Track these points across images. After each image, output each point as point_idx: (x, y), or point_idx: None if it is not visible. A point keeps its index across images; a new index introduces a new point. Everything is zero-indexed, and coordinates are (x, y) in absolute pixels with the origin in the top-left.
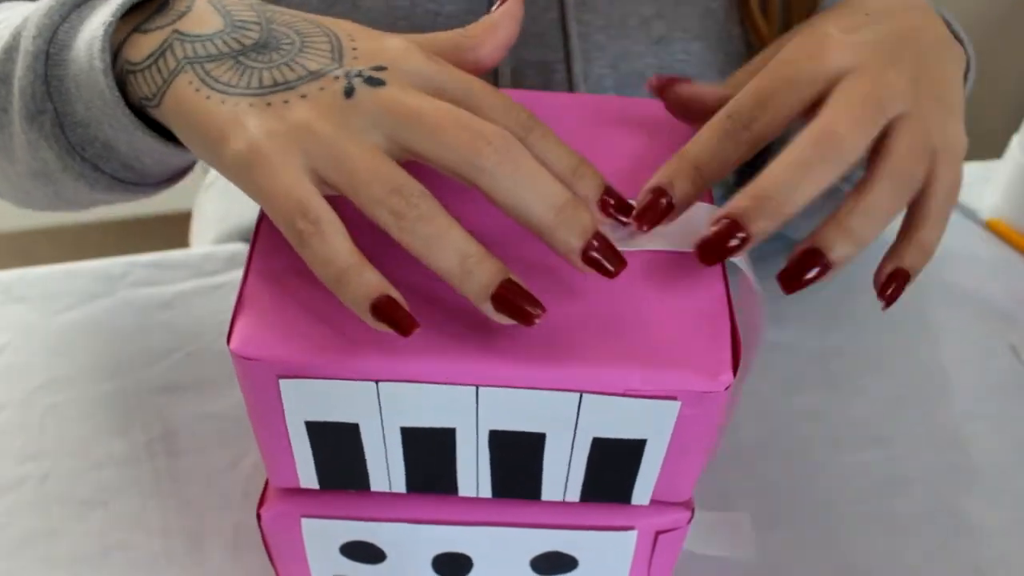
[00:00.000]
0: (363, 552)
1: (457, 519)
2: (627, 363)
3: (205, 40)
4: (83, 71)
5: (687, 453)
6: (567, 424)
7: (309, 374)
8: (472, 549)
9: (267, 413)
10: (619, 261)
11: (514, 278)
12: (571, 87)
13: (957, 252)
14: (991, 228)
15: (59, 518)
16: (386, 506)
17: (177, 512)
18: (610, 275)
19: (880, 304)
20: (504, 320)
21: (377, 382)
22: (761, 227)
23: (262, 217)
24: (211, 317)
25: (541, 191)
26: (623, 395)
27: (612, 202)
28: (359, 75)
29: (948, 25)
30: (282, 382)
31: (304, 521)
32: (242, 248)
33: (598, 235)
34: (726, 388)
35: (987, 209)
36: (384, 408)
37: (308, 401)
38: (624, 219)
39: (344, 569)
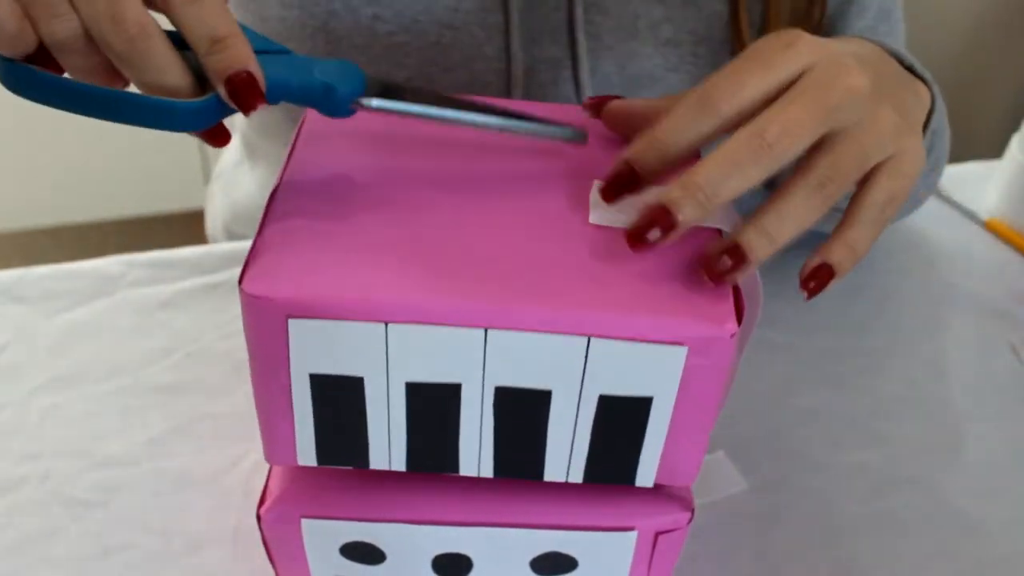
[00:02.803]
0: (363, 553)
1: (457, 519)
2: (635, 307)
3: None
4: None
5: (692, 420)
6: (574, 378)
7: (319, 314)
8: (472, 549)
9: (272, 365)
10: (257, 97)
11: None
12: (577, 85)
13: (957, 252)
14: (991, 228)
15: (59, 518)
16: (386, 506)
17: (177, 512)
18: (245, 108)
19: (803, 295)
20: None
21: (386, 324)
22: (689, 215)
23: (280, 178)
24: (211, 317)
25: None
26: (631, 340)
27: (243, 78)
28: None
29: (912, 69)
30: (291, 323)
31: (304, 522)
32: (241, 246)
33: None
34: (731, 336)
35: (987, 209)
36: (391, 357)
37: (315, 347)
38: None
39: (344, 570)
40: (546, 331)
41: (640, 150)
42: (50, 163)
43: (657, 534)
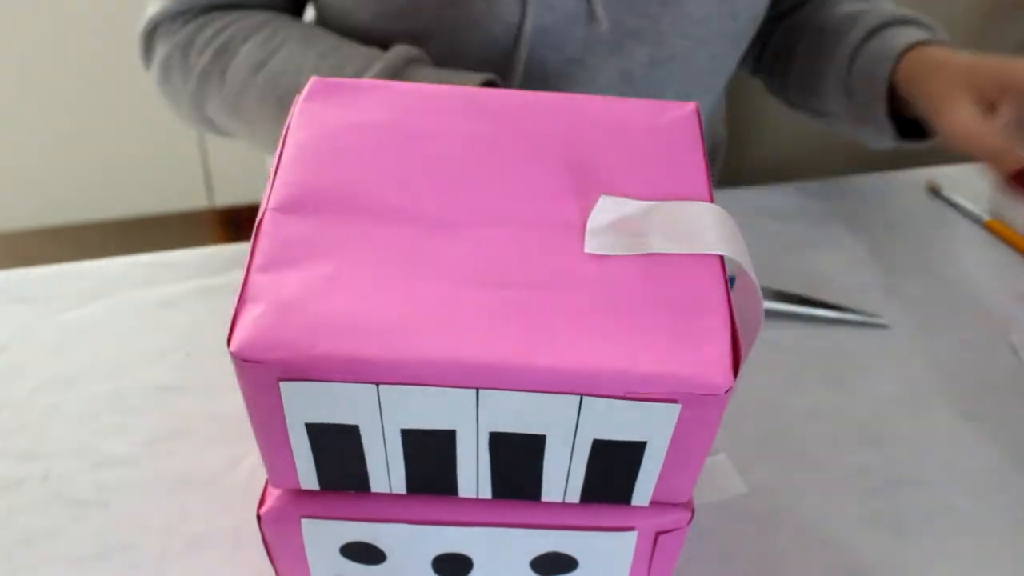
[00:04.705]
0: (363, 553)
1: (457, 520)
2: (627, 365)
3: None
4: None
5: (687, 454)
6: (567, 426)
7: (310, 376)
8: (472, 550)
9: (267, 415)
10: None
11: None
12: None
13: (957, 252)
14: (991, 228)
15: (59, 518)
16: (387, 507)
17: (177, 512)
18: None
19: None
20: None
21: (378, 385)
22: None
23: (261, 218)
24: (211, 317)
25: None
26: (623, 398)
27: None
28: None
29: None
30: (283, 384)
31: (304, 522)
32: (243, 247)
33: None
34: (726, 391)
35: (987, 209)
36: (384, 410)
37: (308, 403)
38: None
39: (344, 570)
40: (538, 391)
41: None
42: (50, 163)
43: (657, 534)
